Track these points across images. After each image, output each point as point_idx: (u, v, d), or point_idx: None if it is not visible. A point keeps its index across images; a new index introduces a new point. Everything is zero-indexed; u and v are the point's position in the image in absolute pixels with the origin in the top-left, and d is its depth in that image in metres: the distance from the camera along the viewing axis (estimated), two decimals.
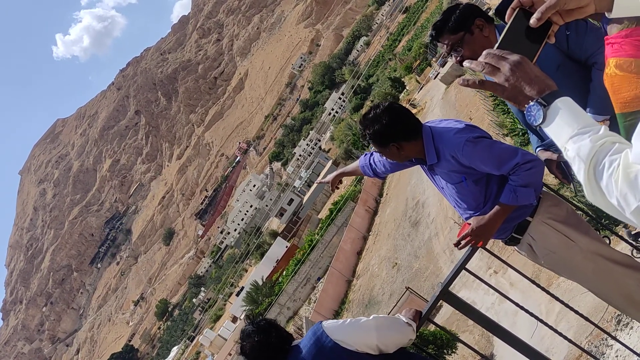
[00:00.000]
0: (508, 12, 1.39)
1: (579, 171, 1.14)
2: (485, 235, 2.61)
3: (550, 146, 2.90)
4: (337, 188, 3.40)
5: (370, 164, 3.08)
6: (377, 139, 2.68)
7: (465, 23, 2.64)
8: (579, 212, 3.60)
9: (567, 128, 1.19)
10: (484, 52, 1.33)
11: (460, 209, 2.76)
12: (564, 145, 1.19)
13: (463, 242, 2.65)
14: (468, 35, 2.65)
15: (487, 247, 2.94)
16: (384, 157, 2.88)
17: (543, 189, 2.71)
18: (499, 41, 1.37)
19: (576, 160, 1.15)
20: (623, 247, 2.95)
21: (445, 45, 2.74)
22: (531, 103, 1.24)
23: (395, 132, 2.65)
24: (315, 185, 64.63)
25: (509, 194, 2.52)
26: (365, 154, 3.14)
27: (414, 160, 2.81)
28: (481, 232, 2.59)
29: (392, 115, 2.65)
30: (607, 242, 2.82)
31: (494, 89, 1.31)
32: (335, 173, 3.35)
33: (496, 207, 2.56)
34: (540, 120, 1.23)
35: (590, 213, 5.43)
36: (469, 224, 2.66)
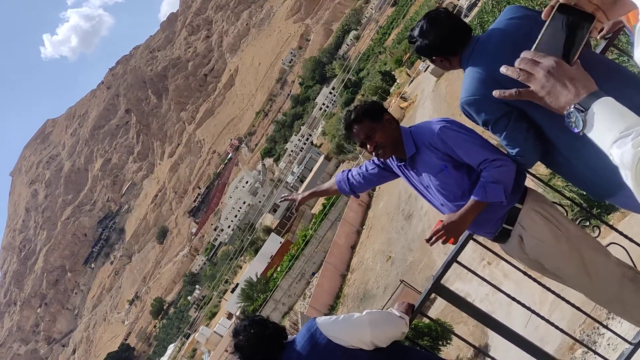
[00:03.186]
0: (546, 10, 1.31)
1: (627, 178, 1.10)
2: (456, 232, 2.60)
3: None
4: (297, 210, 3.34)
5: (347, 178, 3.05)
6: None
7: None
8: (568, 202, 3.62)
9: (608, 133, 1.12)
10: (520, 56, 1.27)
11: (446, 208, 2.74)
12: (609, 151, 1.13)
13: (434, 238, 2.65)
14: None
15: (479, 239, 2.96)
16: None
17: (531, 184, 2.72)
18: (536, 42, 1.30)
19: (622, 168, 1.10)
20: (614, 237, 2.98)
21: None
22: (570, 109, 1.18)
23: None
24: (306, 182, 64.52)
25: (479, 190, 2.52)
26: (343, 171, 3.11)
27: (395, 162, 2.81)
28: (452, 228, 2.58)
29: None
30: (598, 231, 2.85)
31: (532, 97, 1.25)
32: (306, 192, 3.28)
33: (468, 203, 2.56)
34: (581, 127, 1.16)
35: (582, 203, 5.46)
36: (442, 220, 2.67)
